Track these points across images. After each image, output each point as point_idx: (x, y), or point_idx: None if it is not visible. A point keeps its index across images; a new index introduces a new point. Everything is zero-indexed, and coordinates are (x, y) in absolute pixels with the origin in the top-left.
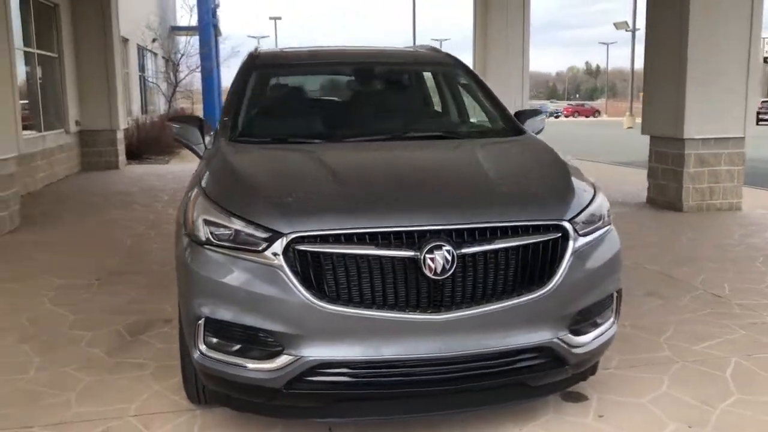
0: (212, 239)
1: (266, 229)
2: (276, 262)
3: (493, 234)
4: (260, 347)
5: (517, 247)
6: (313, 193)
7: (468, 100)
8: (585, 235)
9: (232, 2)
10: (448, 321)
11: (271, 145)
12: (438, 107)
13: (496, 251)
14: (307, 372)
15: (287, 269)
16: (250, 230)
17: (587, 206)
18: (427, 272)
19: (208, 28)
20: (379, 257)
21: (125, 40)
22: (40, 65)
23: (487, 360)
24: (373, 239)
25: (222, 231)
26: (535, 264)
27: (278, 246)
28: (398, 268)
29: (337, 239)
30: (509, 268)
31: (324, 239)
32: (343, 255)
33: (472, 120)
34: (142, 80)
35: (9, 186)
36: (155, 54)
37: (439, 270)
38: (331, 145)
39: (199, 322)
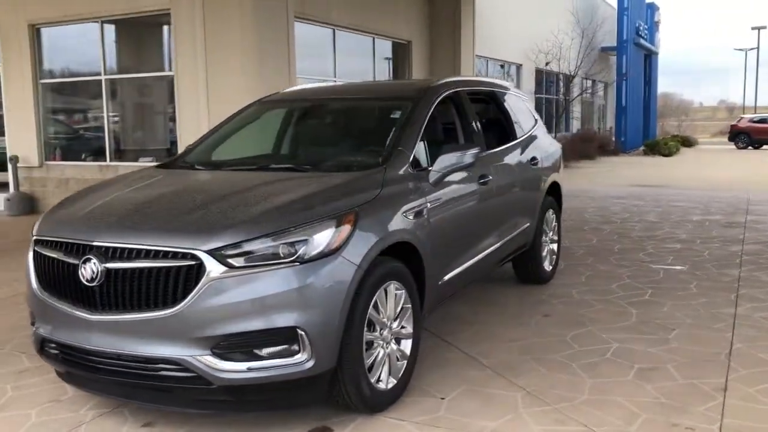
0: None
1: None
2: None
3: (137, 255)
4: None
5: (149, 268)
6: (82, 209)
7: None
8: (242, 267)
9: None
10: (98, 321)
11: (175, 170)
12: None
13: (132, 270)
14: (42, 343)
15: (31, 264)
16: None
17: (251, 239)
18: (81, 278)
19: (626, 47)
20: (61, 261)
21: (518, 66)
22: None
23: (134, 362)
24: (61, 247)
25: None
26: (167, 285)
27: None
28: (68, 272)
29: (46, 243)
30: (143, 285)
31: (43, 243)
32: (45, 255)
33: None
34: (541, 100)
35: None
36: (562, 75)
37: (88, 277)
38: (195, 172)
39: None
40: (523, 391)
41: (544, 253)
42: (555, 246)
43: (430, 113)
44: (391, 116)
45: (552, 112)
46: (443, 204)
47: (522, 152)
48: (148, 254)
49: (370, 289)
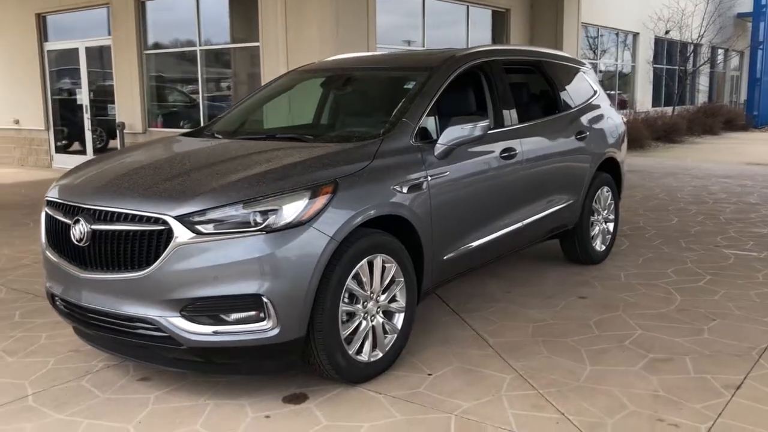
0: None
1: None
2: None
3: (118, 218)
4: None
5: (126, 231)
6: (87, 173)
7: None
8: (211, 233)
9: None
10: (87, 279)
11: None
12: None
13: (113, 232)
14: (53, 298)
15: (42, 223)
16: None
17: (218, 207)
18: (72, 238)
19: (764, 12)
20: (60, 221)
21: (635, 35)
22: None
23: (117, 319)
24: (61, 208)
25: None
26: (141, 248)
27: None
28: (64, 231)
29: (52, 204)
30: (121, 247)
31: (50, 204)
32: (51, 216)
33: (386, 121)
34: (660, 72)
35: None
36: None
37: (77, 237)
38: (208, 140)
39: None
40: (514, 374)
41: (594, 233)
42: (611, 225)
43: (445, 84)
44: (405, 87)
45: (673, 84)
46: (450, 179)
47: (567, 125)
48: (126, 218)
49: (349, 260)
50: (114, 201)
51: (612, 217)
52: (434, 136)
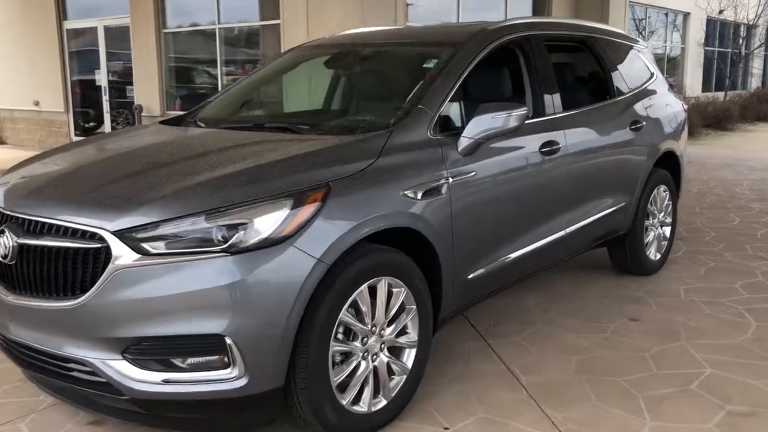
0: None
1: None
2: None
3: (48, 230)
4: None
5: (57, 248)
6: (29, 171)
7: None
8: (162, 254)
9: None
10: (15, 305)
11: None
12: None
13: (42, 248)
14: None
15: None
16: None
17: (170, 220)
18: None
19: None
20: None
21: (686, 14)
22: None
23: (49, 357)
24: None
25: None
26: (75, 271)
27: None
28: None
29: None
30: (51, 268)
31: None
32: None
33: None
34: (711, 54)
35: None
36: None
37: (1, 253)
38: (185, 130)
39: None
40: (554, 431)
41: (648, 239)
42: (667, 230)
43: (474, 63)
44: (425, 66)
45: (725, 68)
46: (477, 179)
47: (620, 114)
48: (57, 230)
49: (343, 288)
50: (45, 208)
51: (669, 220)
52: (459, 127)
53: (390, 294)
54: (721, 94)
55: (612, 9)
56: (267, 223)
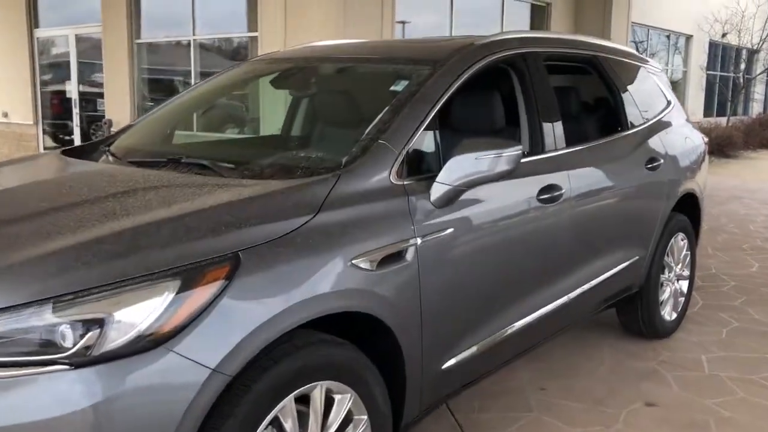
0: None
1: None
2: None
3: None
4: None
5: None
6: None
7: None
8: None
9: None
10: None
11: None
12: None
13: None
14: None
15: None
16: None
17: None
18: None
19: None
20: None
21: (688, 37)
22: None
23: None
24: None
25: None
26: None
27: None
28: None
29: None
30: None
31: None
32: None
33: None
34: (713, 79)
35: None
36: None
37: None
38: (86, 162)
39: None
40: None
41: (664, 297)
42: (685, 284)
43: (455, 86)
44: (392, 89)
45: (727, 93)
46: (456, 239)
47: (633, 150)
48: None
49: (256, 405)
50: None
51: (687, 273)
52: (433, 169)
53: (330, 402)
54: (722, 119)
55: (614, 29)
56: (136, 316)
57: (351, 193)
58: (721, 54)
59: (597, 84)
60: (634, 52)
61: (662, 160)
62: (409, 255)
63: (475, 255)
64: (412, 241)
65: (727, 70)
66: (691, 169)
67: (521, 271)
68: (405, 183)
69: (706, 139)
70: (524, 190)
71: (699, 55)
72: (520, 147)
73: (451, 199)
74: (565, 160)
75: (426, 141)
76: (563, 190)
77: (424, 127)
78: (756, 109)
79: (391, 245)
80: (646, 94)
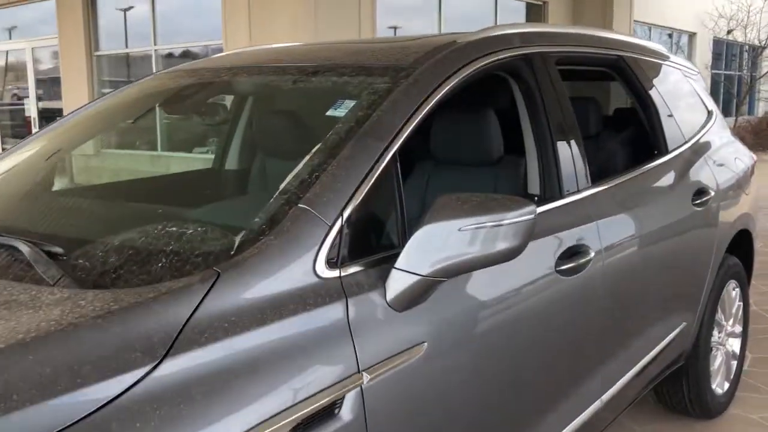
0: None
1: None
2: None
3: None
4: None
5: None
6: None
7: None
8: None
9: None
10: None
11: None
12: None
13: None
14: None
15: None
16: None
17: None
18: None
19: None
20: None
21: (691, 35)
22: None
23: None
24: None
25: None
26: None
27: None
28: None
29: None
30: None
31: None
32: None
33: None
34: (719, 77)
35: None
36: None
37: None
38: None
39: None
40: None
41: (715, 366)
42: (737, 344)
43: (426, 108)
44: (329, 114)
45: (733, 92)
46: (429, 361)
47: (677, 180)
48: None
49: None
50: None
51: (739, 329)
52: (391, 245)
53: None
54: (729, 120)
55: (615, 29)
56: None
57: (239, 309)
58: (725, 52)
59: (624, 95)
60: (666, 51)
61: (712, 192)
62: (348, 408)
63: (466, 384)
64: (351, 382)
65: (731, 68)
66: (744, 200)
67: (536, 390)
68: (342, 275)
69: (755, 157)
70: (536, 261)
71: (704, 54)
72: (534, 208)
73: (419, 297)
74: (593, 204)
75: (378, 200)
76: (591, 254)
77: (375, 177)
78: (762, 108)
79: (311, 398)
80: (684, 104)
